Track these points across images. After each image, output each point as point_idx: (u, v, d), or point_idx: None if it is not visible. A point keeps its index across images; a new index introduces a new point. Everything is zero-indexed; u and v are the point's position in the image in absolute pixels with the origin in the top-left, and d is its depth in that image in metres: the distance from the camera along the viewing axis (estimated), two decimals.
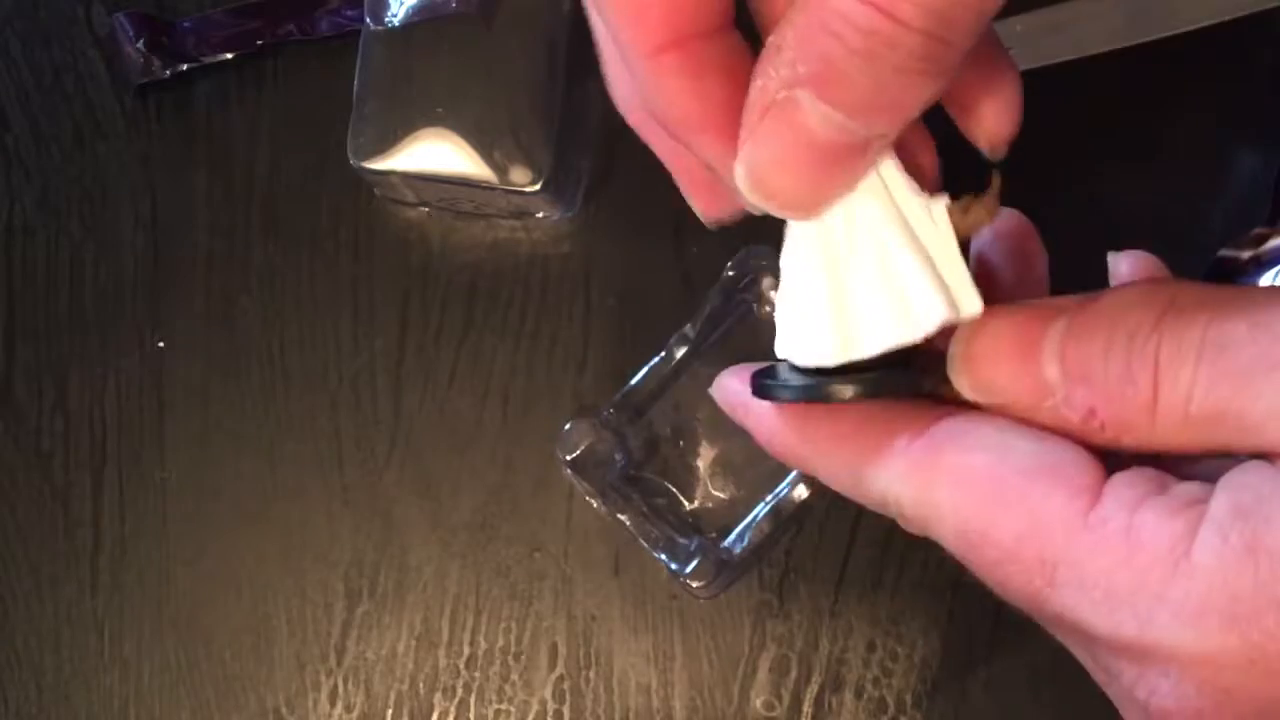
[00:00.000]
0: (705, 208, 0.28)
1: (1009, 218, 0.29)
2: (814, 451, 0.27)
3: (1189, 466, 0.24)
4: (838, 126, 0.23)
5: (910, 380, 0.26)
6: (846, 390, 0.25)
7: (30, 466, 0.52)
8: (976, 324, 0.25)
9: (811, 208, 0.25)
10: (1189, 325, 0.23)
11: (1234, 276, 0.46)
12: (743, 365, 0.29)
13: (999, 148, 0.27)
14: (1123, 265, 0.29)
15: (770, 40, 0.24)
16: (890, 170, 0.25)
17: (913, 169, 0.26)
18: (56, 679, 0.51)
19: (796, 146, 0.23)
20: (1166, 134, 0.51)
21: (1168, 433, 0.23)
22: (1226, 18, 0.49)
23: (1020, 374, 0.24)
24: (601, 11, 0.25)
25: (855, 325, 0.25)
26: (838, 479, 0.27)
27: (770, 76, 0.23)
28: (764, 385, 0.27)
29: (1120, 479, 0.23)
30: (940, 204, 0.25)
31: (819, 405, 0.26)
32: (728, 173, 0.25)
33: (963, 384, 0.25)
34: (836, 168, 0.24)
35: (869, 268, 0.25)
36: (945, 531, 0.25)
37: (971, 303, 0.25)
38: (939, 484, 0.24)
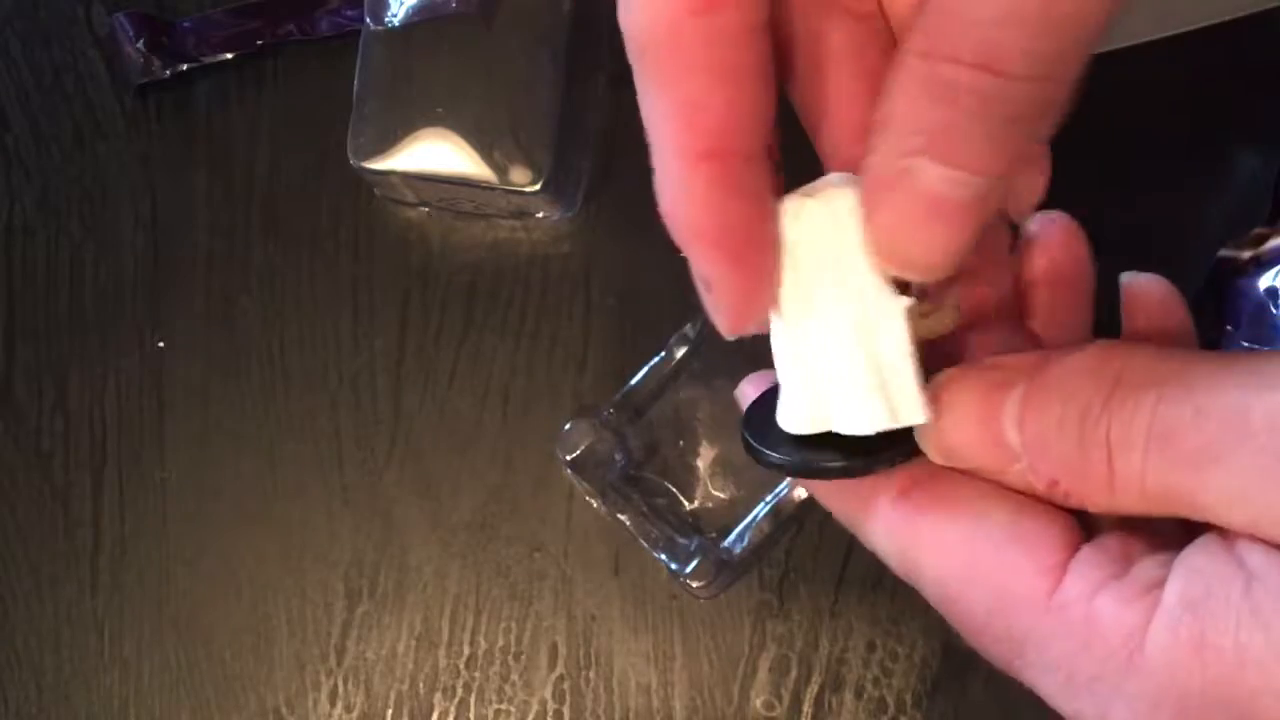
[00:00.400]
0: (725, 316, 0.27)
1: (1063, 237, 0.29)
2: (814, 492, 0.28)
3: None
4: (960, 184, 0.23)
5: (876, 464, 0.26)
6: (820, 470, 0.26)
7: (30, 466, 0.52)
8: (941, 393, 0.25)
9: (946, 266, 0.24)
10: (1136, 408, 0.23)
11: (1234, 276, 0.46)
12: (763, 374, 0.29)
13: (1025, 213, 0.28)
14: (1126, 286, 0.29)
15: (877, 115, 0.23)
16: (859, 261, 0.25)
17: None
18: (56, 679, 0.51)
19: (921, 210, 0.23)
20: (1166, 134, 0.51)
21: (1128, 503, 0.23)
22: (1226, 18, 0.49)
23: (984, 441, 0.25)
24: (652, 101, 0.24)
25: (821, 405, 0.26)
26: (842, 520, 0.28)
27: (884, 150, 0.23)
28: (752, 448, 0.27)
29: (1085, 557, 0.24)
30: (901, 305, 0.25)
31: None
32: (715, 289, 0.25)
33: (931, 451, 0.26)
34: (964, 221, 0.24)
35: (832, 358, 0.26)
36: (927, 593, 0.26)
37: (913, 412, 0.25)
38: (920, 550, 0.25)
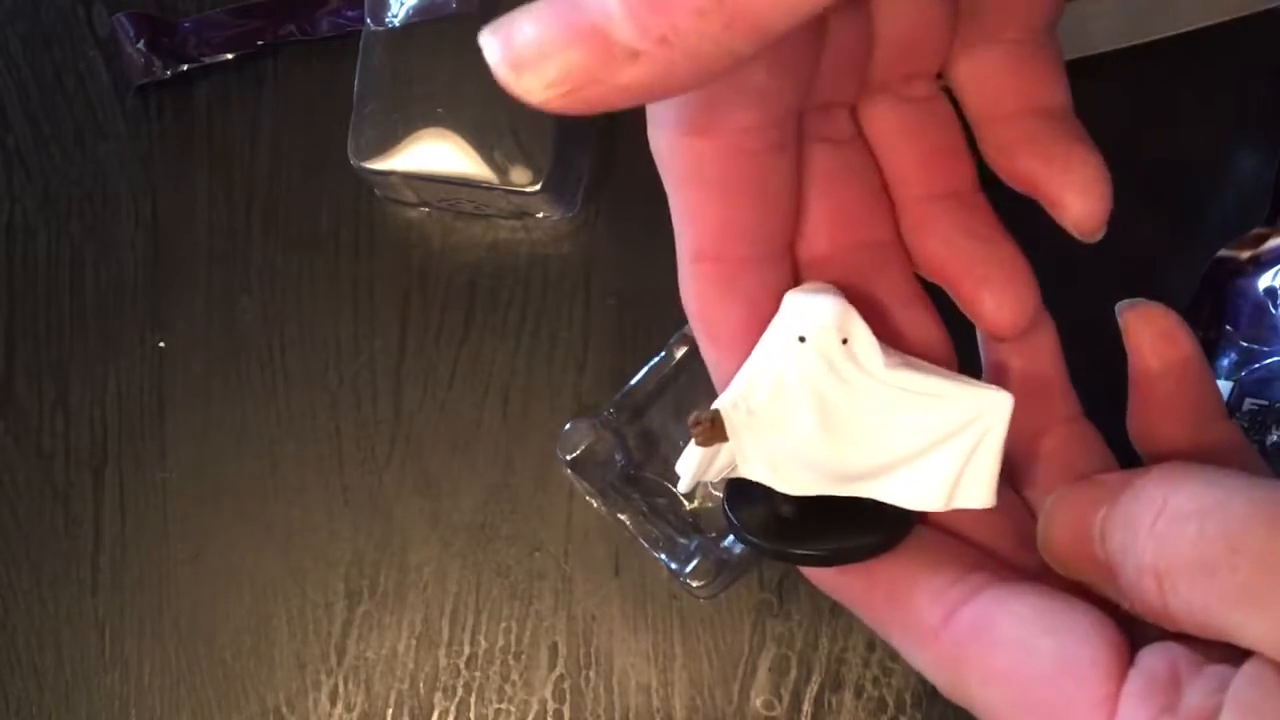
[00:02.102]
0: None
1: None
2: (861, 613, 0.29)
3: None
4: (605, 12, 0.19)
5: (864, 552, 0.27)
6: (802, 557, 0.28)
7: (31, 466, 0.52)
8: (1052, 510, 0.27)
9: (549, 100, 0.21)
10: (1178, 541, 0.23)
11: (1233, 276, 0.46)
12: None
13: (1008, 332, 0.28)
14: (1126, 315, 0.29)
15: None
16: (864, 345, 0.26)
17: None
18: (56, 679, 0.51)
19: (576, 24, 0.20)
20: (1166, 134, 0.51)
21: (1184, 625, 0.24)
22: (1226, 18, 0.49)
23: (1083, 558, 0.26)
24: (669, 198, 0.26)
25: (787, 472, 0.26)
26: (884, 635, 0.28)
27: None
28: (735, 529, 0.28)
29: (1133, 689, 0.24)
30: (1009, 400, 0.26)
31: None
32: (710, 368, 0.27)
33: (1048, 560, 0.27)
34: (589, 57, 0.20)
35: (868, 435, 0.26)
36: (979, 716, 0.26)
37: (982, 496, 0.26)
38: (968, 680, 0.25)
